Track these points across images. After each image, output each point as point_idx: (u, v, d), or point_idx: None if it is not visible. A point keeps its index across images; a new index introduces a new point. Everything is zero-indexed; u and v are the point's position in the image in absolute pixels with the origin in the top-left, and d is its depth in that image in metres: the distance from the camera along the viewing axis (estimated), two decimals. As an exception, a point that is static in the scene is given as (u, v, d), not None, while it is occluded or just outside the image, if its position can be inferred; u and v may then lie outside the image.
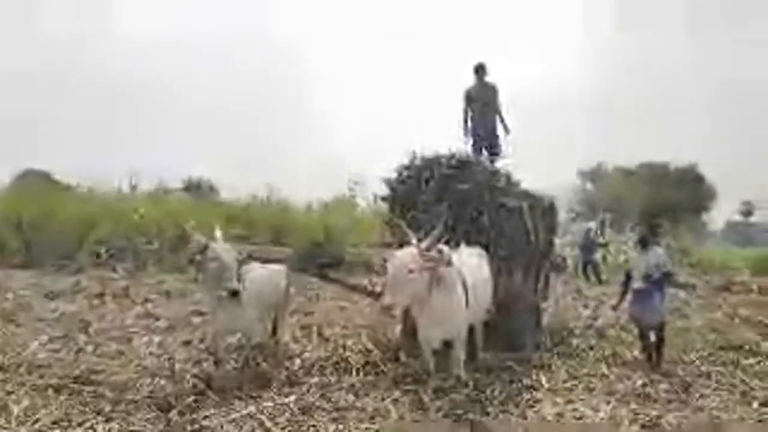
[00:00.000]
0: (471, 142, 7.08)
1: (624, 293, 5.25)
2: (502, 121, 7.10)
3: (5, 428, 3.36)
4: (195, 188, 21.41)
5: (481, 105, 7.03)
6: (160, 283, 8.57)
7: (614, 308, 5.56)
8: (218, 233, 4.18)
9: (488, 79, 7.13)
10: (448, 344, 4.27)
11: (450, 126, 7.27)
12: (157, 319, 6.46)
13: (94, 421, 3.47)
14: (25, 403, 3.71)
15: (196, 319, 6.47)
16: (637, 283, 5.02)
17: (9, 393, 3.90)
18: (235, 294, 3.84)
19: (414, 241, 3.99)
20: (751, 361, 5.30)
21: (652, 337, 5.13)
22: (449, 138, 6.75)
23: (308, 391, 4.15)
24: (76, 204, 13.72)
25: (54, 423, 3.43)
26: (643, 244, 5.18)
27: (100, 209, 12.78)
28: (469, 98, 7.12)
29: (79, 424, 3.43)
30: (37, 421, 3.45)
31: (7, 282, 7.88)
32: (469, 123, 7.13)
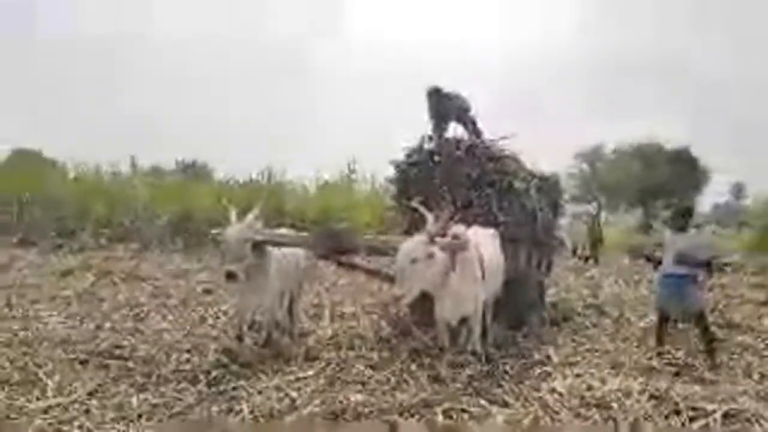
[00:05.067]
0: None
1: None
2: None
3: (42, 400, 3.44)
4: (189, 168, 21.39)
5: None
6: (166, 263, 8.61)
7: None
8: (251, 214, 4.27)
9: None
10: (462, 320, 4.41)
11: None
12: (169, 297, 6.54)
13: (128, 392, 3.58)
14: (57, 376, 3.80)
15: (207, 298, 6.59)
16: (668, 268, 4.57)
17: (39, 366, 3.98)
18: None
19: (430, 219, 4.06)
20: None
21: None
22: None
23: (328, 365, 4.27)
24: (71, 183, 13.65)
25: (89, 395, 3.52)
26: (679, 225, 4.68)
27: (95, 189, 12.72)
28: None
29: (114, 395, 3.52)
30: (71, 393, 3.54)
31: (14, 261, 7.88)
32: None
